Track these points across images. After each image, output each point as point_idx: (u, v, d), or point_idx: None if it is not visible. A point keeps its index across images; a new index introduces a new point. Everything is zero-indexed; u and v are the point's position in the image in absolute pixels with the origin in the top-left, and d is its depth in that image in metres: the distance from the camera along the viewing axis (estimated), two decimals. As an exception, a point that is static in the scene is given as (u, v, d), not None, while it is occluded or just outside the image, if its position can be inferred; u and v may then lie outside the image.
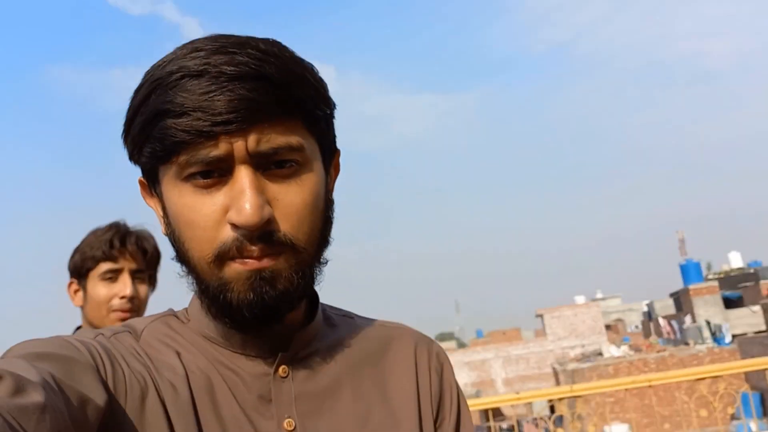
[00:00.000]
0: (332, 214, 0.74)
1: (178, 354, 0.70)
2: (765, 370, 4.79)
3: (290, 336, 0.73)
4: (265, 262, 0.65)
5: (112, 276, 1.79)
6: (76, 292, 1.85)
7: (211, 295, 0.67)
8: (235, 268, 0.65)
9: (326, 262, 0.72)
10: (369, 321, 0.86)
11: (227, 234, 0.64)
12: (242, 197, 0.63)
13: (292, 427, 0.70)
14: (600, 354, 26.81)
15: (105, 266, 1.79)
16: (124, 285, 1.79)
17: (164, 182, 0.68)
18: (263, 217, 0.63)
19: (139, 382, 0.65)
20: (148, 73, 0.67)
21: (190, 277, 0.70)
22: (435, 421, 0.81)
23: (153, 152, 0.65)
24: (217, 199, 0.65)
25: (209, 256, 0.65)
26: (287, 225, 0.66)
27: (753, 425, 16.76)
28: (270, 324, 0.68)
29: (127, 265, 1.81)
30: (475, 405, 5.51)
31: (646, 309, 40.38)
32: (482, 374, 32.15)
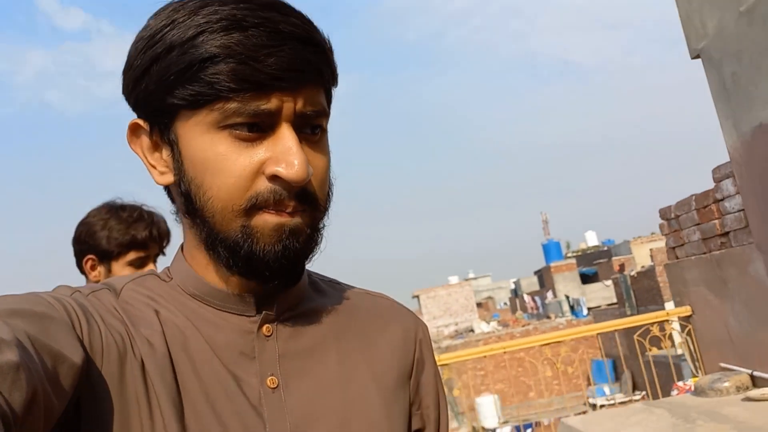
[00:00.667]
0: (333, 185, 0.74)
1: (157, 311, 0.69)
2: (614, 334, 5.27)
3: (275, 296, 0.72)
4: (294, 221, 0.65)
5: (140, 263, 1.87)
6: (93, 268, 1.89)
7: (232, 244, 0.65)
8: (265, 219, 0.64)
9: (324, 227, 0.72)
10: (354, 288, 0.86)
11: (263, 185, 0.64)
12: (290, 153, 0.63)
13: (275, 385, 0.69)
14: (472, 330, 28.08)
15: (135, 254, 1.87)
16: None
17: (190, 128, 0.65)
18: (309, 174, 0.64)
19: (116, 339, 0.64)
20: (175, 15, 0.63)
21: (198, 228, 0.68)
22: (411, 398, 0.81)
23: (195, 95, 0.62)
24: (257, 152, 0.64)
25: (239, 206, 0.64)
26: (314, 185, 0.67)
27: (606, 389, 18.39)
28: (288, 278, 0.68)
29: (153, 252, 1.90)
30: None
31: (513, 287, 42.72)
32: (360, 355, 32.68)
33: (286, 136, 0.64)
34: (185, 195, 0.67)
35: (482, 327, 27.15)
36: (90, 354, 0.61)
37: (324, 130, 0.70)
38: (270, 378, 0.69)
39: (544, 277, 33.67)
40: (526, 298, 33.82)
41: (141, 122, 0.70)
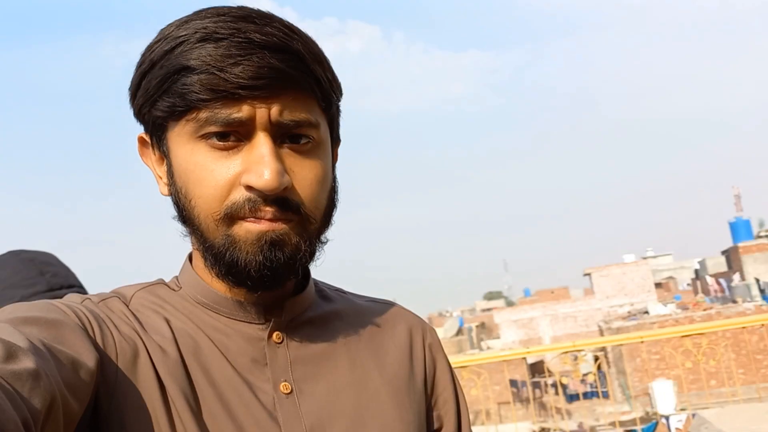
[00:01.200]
0: (337, 198, 0.74)
1: (167, 320, 0.70)
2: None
3: (282, 304, 0.74)
4: (278, 225, 0.65)
5: None
6: None
7: (216, 252, 0.66)
8: (246, 227, 0.65)
9: (326, 242, 0.73)
10: (360, 297, 0.87)
11: (240, 194, 0.64)
12: (262, 162, 0.63)
13: (288, 390, 0.70)
14: (646, 312, 26.78)
15: None
16: None
17: (174, 139, 0.67)
18: (282, 183, 0.64)
19: (129, 344, 0.65)
20: (166, 31, 0.66)
21: (193, 236, 0.70)
22: (429, 401, 0.83)
23: (171, 107, 0.64)
24: (233, 162, 0.65)
25: (218, 214, 0.65)
26: (300, 195, 0.67)
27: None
28: (271, 288, 0.68)
29: None
30: (519, 355, 5.83)
31: (697, 266, 39.80)
32: (530, 332, 32.40)
33: (259, 144, 0.64)
34: (177, 205, 0.69)
35: (658, 309, 25.77)
36: (105, 358, 0.62)
37: (316, 141, 0.68)
38: (283, 384, 0.70)
39: (730, 258, 31.03)
40: (709, 279, 31.36)
41: (145, 136, 0.72)
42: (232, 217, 0.65)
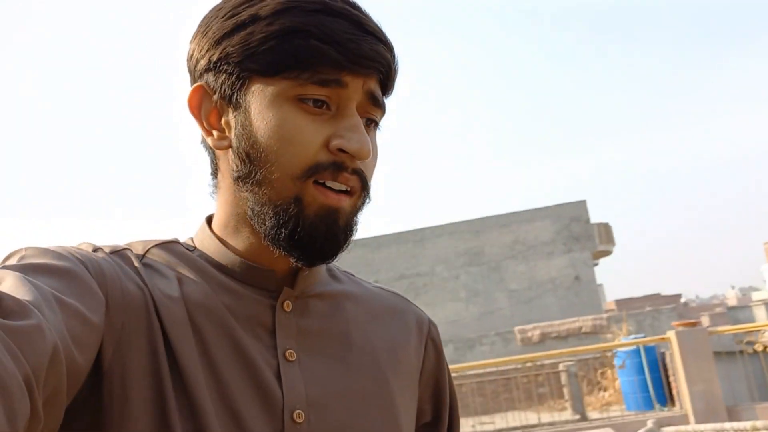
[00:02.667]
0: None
1: (178, 277, 0.70)
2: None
3: (297, 274, 0.74)
4: (342, 201, 0.67)
5: None
6: None
7: (281, 212, 0.67)
8: (313, 194, 0.66)
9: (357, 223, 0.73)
10: (368, 282, 0.87)
11: (326, 156, 0.66)
12: (357, 130, 0.67)
13: (293, 358, 0.70)
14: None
15: None
16: None
17: (260, 94, 0.67)
18: (370, 153, 0.67)
19: (136, 298, 0.65)
20: None
21: (252, 194, 0.69)
22: (421, 392, 0.83)
23: (275, 62, 0.65)
24: (323, 126, 0.67)
25: (298, 173, 0.66)
26: (366, 171, 0.70)
27: None
28: (328, 259, 0.70)
29: None
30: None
31: None
32: None
33: (353, 114, 0.68)
34: (244, 160, 0.68)
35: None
36: (111, 310, 0.62)
37: (377, 125, 0.73)
38: (288, 351, 0.70)
39: None
40: None
41: (206, 86, 0.71)
42: (310, 176, 0.66)
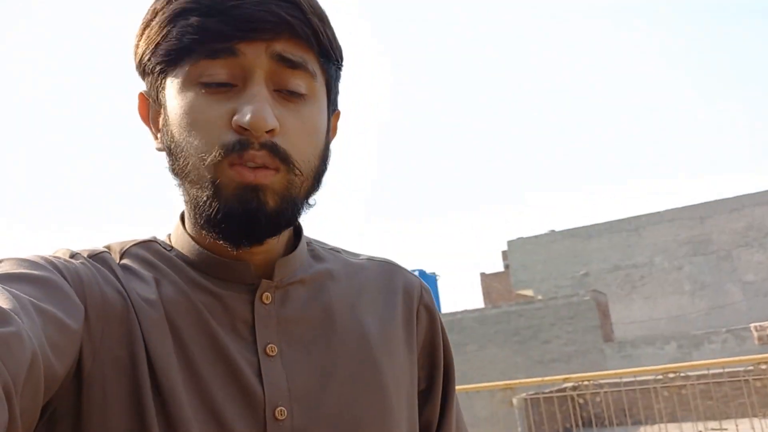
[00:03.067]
0: (328, 163, 0.72)
1: (156, 278, 0.69)
2: None
3: (273, 265, 0.72)
4: (260, 177, 0.64)
5: None
6: None
7: (201, 202, 0.65)
8: (230, 175, 0.63)
9: (314, 204, 0.71)
10: (356, 255, 0.85)
11: (230, 136, 0.63)
12: (254, 100, 0.63)
13: (274, 353, 0.68)
14: None
15: None
16: None
17: (171, 87, 0.66)
18: (269, 123, 0.62)
19: (115, 303, 0.64)
20: None
21: (182, 188, 0.69)
22: (419, 360, 0.81)
23: (168, 51, 0.64)
24: (226, 104, 0.64)
25: (208, 159, 0.63)
26: (288, 144, 0.65)
27: None
28: (251, 242, 0.66)
29: None
30: None
31: None
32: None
33: (253, 85, 0.64)
34: (169, 155, 0.68)
35: None
36: (90, 317, 0.61)
37: (310, 95, 0.68)
38: (269, 346, 0.68)
39: None
40: None
41: (144, 93, 0.72)
42: (220, 161, 0.64)
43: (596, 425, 8.01)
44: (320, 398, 0.68)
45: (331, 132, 0.75)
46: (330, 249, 0.83)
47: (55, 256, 0.66)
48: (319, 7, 0.69)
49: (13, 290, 0.55)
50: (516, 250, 24.53)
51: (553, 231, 24.12)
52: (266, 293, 0.71)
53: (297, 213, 0.69)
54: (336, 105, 0.76)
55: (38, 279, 0.59)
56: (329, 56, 0.70)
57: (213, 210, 0.64)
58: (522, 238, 24.51)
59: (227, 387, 0.65)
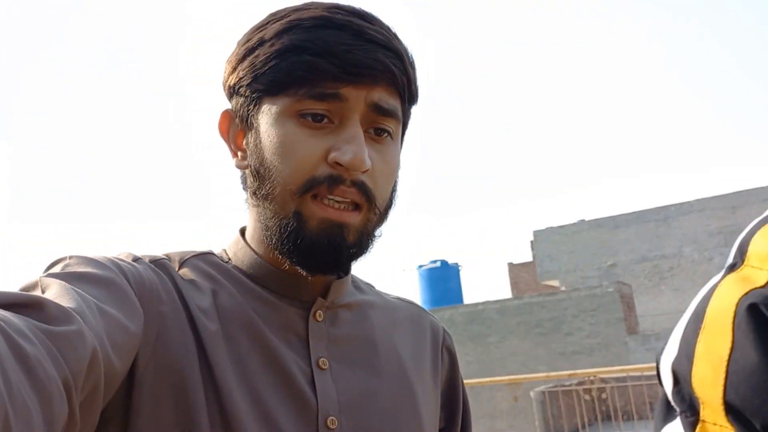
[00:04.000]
0: (396, 197, 0.76)
1: (213, 288, 0.72)
2: None
3: (326, 286, 0.76)
4: (345, 216, 0.68)
5: None
6: None
7: (283, 226, 0.69)
8: (311, 209, 0.68)
9: (380, 236, 0.75)
10: (386, 294, 0.90)
11: (324, 170, 0.67)
12: (354, 142, 0.67)
13: (326, 366, 0.72)
14: None
15: None
16: None
17: (267, 113, 0.70)
18: (366, 163, 0.66)
19: (172, 309, 0.67)
20: (279, 13, 0.71)
21: (262, 210, 0.72)
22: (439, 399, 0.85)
23: (274, 80, 0.68)
24: (323, 140, 0.68)
25: (296, 188, 0.67)
26: (374, 183, 0.70)
27: None
28: (329, 272, 0.71)
29: None
30: None
31: None
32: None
33: (351, 126, 0.68)
34: (255, 176, 0.71)
35: None
36: (147, 320, 0.64)
37: (392, 136, 0.72)
38: (321, 359, 0.72)
39: None
40: None
41: (231, 111, 0.76)
42: (308, 192, 0.67)
43: (617, 419, 7.84)
44: (366, 414, 0.72)
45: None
46: (366, 283, 0.88)
47: (119, 258, 0.68)
48: (412, 55, 0.74)
49: (79, 290, 0.57)
50: (542, 241, 24.19)
51: (582, 221, 23.74)
52: (319, 311, 0.75)
53: (371, 246, 0.73)
54: (403, 142, 0.80)
55: (102, 280, 0.61)
56: (414, 102, 0.75)
57: (300, 238, 0.68)
58: (548, 228, 24.18)
59: (281, 394, 0.68)
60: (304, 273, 0.71)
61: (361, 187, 0.68)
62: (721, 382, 0.47)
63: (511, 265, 27.98)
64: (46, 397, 0.45)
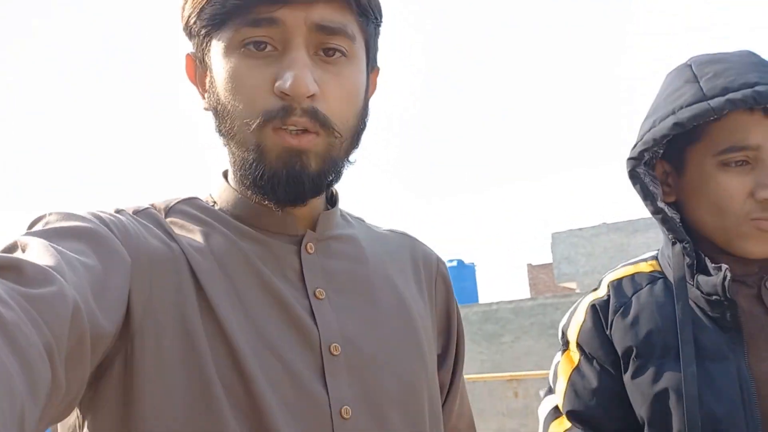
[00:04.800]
0: (366, 120, 0.75)
1: (204, 231, 0.71)
2: None
3: (314, 219, 0.76)
4: (303, 142, 0.66)
5: None
6: None
7: (245, 162, 0.68)
8: (274, 140, 0.66)
9: (354, 161, 0.74)
10: (377, 226, 0.90)
11: (273, 102, 0.65)
12: (293, 66, 0.64)
13: (323, 296, 0.72)
14: None
15: None
16: None
17: (215, 49, 0.69)
18: (310, 89, 0.64)
19: (164, 254, 0.66)
20: None
21: (228, 148, 0.72)
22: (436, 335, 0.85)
23: (212, 15, 0.66)
24: (268, 69, 0.66)
25: (252, 122, 0.66)
26: (328, 107, 0.67)
27: None
28: (296, 202, 0.70)
29: None
30: None
31: None
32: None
33: (292, 50, 0.66)
34: (216, 115, 0.71)
35: None
36: (137, 269, 0.62)
37: (349, 55, 0.69)
38: (318, 290, 0.72)
39: None
40: None
41: (191, 54, 0.75)
42: (264, 125, 0.66)
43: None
44: (367, 341, 0.72)
45: (370, 89, 0.77)
46: (356, 217, 0.88)
47: (101, 211, 0.67)
48: None
49: (58, 246, 0.55)
50: (560, 243, 24.17)
51: (604, 224, 23.64)
52: (310, 243, 0.74)
53: (339, 173, 0.72)
54: (375, 62, 0.78)
55: (84, 232, 0.60)
56: (368, 15, 0.71)
57: (259, 172, 0.67)
58: (567, 231, 24.14)
59: (283, 326, 0.68)
60: (273, 206, 0.71)
61: (313, 114, 0.66)
62: (576, 334, 1.07)
63: (530, 266, 27.89)
64: (28, 364, 0.43)
